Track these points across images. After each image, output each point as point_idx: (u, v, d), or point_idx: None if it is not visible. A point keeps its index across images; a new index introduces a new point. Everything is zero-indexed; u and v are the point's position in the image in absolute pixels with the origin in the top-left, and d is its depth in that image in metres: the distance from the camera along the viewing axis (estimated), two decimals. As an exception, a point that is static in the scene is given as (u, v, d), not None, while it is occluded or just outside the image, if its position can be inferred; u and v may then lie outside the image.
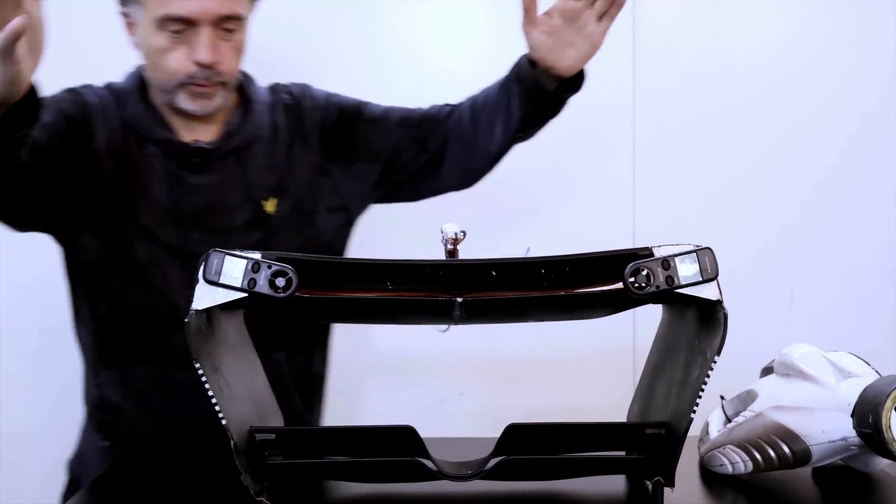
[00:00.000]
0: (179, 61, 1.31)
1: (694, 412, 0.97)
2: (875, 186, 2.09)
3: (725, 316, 0.96)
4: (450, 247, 1.11)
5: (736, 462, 1.10)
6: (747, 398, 1.16)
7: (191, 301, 0.98)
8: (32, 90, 1.09)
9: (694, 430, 1.15)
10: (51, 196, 1.34)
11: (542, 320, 1.12)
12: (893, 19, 2.06)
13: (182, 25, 1.30)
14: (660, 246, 0.99)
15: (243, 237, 1.39)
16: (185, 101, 1.35)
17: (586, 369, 2.03)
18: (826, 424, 1.03)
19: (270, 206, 1.41)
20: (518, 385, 2.03)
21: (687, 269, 0.98)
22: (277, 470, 1.06)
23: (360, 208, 1.55)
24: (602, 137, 2.01)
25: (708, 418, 1.23)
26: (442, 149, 1.52)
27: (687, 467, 1.16)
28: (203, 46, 1.30)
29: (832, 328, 2.05)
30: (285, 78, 1.59)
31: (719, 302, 0.98)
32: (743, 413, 1.13)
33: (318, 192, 1.47)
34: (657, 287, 0.98)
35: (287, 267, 0.98)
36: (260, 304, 1.01)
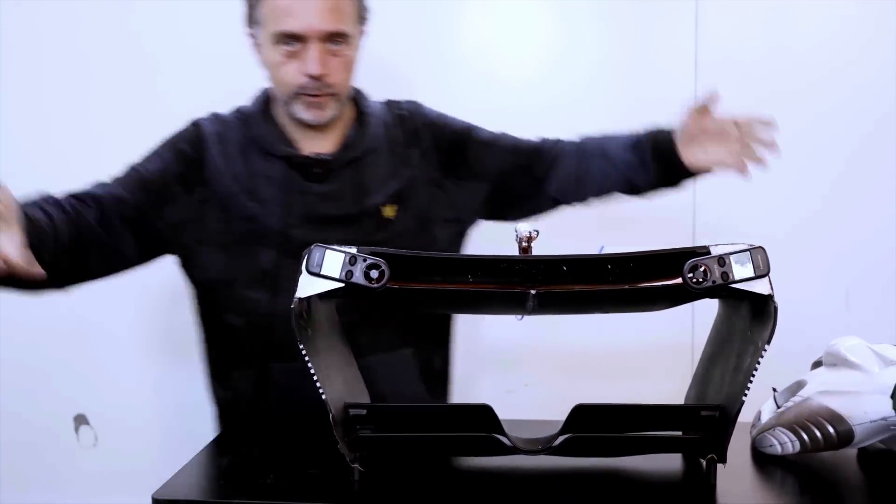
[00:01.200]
0: (293, 74, 1.45)
1: (745, 395, 1.08)
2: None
3: (776, 309, 1.06)
4: (524, 244, 1.23)
5: (784, 442, 1.20)
6: (797, 388, 1.26)
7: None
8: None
9: (747, 417, 1.26)
10: (164, 232, 1.50)
11: (607, 312, 1.22)
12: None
13: (294, 41, 1.44)
14: (716, 245, 1.10)
15: (366, 240, 1.49)
16: (301, 111, 1.48)
17: (647, 364, 2.11)
18: (868, 406, 1.14)
19: (390, 211, 1.52)
20: (581, 377, 2.12)
21: (741, 267, 1.08)
22: (367, 441, 1.18)
23: (472, 221, 1.65)
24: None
25: (761, 408, 1.32)
26: (545, 180, 1.63)
27: (739, 450, 1.25)
28: (312, 60, 1.43)
29: (887, 328, 2.10)
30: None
31: (770, 296, 1.07)
32: (792, 398, 1.23)
33: (435, 203, 1.58)
34: (713, 282, 1.08)
35: (380, 260, 1.11)
36: (355, 293, 1.13)
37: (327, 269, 1.11)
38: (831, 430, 1.16)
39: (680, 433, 1.20)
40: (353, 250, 1.12)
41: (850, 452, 1.23)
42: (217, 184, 1.50)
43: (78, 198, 1.43)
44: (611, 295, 1.13)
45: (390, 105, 1.62)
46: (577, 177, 1.61)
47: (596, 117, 2.05)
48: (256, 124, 1.53)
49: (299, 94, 1.47)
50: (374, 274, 1.11)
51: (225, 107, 1.59)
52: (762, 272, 1.08)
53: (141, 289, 2.18)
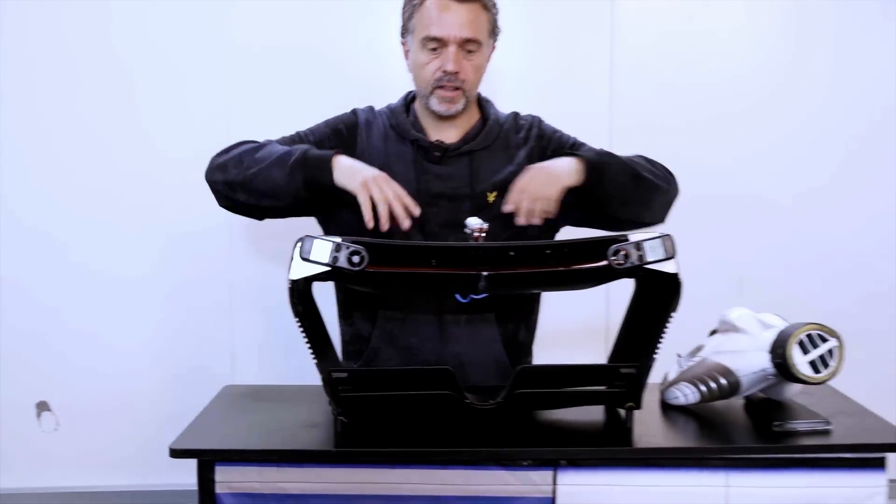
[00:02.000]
0: (433, 71, 1.77)
1: (656, 354, 1.36)
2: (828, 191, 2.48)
3: (680, 284, 1.34)
4: (476, 234, 1.48)
5: (686, 394, 1.49)
6: (696, 351, 1.55)
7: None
8: None
9: (656, 379, 1.53)
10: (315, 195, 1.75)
11: (546, 290, 1.47)
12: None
13: (436, 44, 1.75)
14: (634, 233, 1.37)
15: (467, 217, 1.68)
16: (435, 104, 1.78)
17: (567, 344, 2.36)
18: (751, 360, 1.43)
19: (492, 197, 1.78)
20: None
21: (654, 251, 1.35)
22: (348, 400, 1.41)
23: (562, 222, 1.85)
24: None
25: (667, 370, 1.60)
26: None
27: (650, 404, 1.53)
28: (449, 60, 1.74)
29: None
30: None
31: (676, 274, 1.35)
32: (692, 359, 1.51)
33: None
34: (632, 263, 1.35)
35: (361, 248, 1.33)
36: (339, 276, 1.35)
37: (316, 255, 1.33)
38: (723, 381, 1.45)
39: (605, 388, 1.46)
40: (338, 240, 1.34)
41: (739, 401, 1.53)
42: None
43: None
44: (549, 276, 1.39)
45: (515, 116, 1.90)
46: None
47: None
48: (398, 115, 1.86)
49: (436, 88, 1.77)
50: (356, 259, 1.33)
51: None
52: (670, 255, 1.35)
53: (110, 281, 2.35)
